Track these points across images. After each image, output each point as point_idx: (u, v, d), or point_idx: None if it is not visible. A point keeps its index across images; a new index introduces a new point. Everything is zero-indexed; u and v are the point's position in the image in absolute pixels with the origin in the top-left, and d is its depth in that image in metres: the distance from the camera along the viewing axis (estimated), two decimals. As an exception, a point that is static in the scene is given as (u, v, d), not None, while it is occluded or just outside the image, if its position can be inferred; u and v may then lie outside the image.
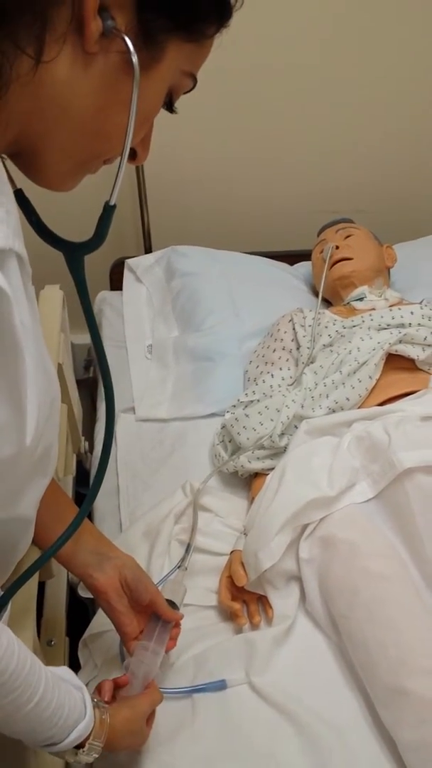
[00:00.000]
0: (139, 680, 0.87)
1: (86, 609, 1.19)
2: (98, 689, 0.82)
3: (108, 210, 0.61)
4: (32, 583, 0.89)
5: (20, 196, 0.64)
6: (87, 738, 0.71)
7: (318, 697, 0.95)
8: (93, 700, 0.73)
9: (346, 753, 0.89)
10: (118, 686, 0.85)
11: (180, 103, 0.66)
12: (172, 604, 0.97)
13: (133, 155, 0.66)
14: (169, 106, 0.65)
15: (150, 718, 0.85)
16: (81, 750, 0.71)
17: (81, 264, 0.64)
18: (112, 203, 0.61)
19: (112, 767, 0.89)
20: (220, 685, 0.96)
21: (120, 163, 0.58)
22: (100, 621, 1.03)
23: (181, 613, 0.98)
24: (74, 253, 0.63)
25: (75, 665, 1.04)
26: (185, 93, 0.65)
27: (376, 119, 1.94)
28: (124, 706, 0.81)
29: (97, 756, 0.73)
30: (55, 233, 0.64)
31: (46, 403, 0.64)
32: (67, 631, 1.13)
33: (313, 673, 1.00)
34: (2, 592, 0.76)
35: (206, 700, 0.95)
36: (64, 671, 0.72)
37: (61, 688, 0.67)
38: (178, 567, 1.10)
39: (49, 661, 0.95)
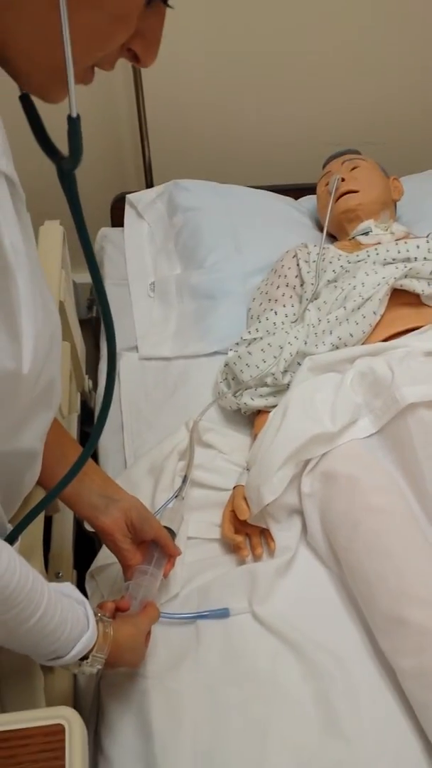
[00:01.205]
0: (137, 602, 0.90)
1: (92, 542, 1.21)
2: (100, 606, 0.84)
3: (71, 123, 0.58)
4: (39, 519, 0.91)
5: (25, 100, 0.61)
6: (90, 650, 0.73)
7: (319, 626, 0.98)
8: (96, 615, 0.75)
9: (346, 680, 0.91)
10: (119, 609, 0.87)
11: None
12: (169, 531, 1.00)
13: (135, 57, 0.61)
14: None
15: (147, 636, 0.88)
16: (85, 662, 0.73)
17: (73, 182, 0.61)
18: (73, 115, 0.57)
19: (118, 694, 0.92)
20: (224, 613, 0.99)
21: (66, 64, 0.53)
22: (106, 554, 1.05)
23: (180, 548, 1.00)
24: (61, 169, 0.60)
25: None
26: None
27: (383, 48, 1.86)
28: (126, 622, 0.83)
29: (100, 667, 0.75)
30: (53, 143, 0.62)
31: (46, 335, 0.63)
32: (74, 563, 1.16)
33: (315, 603, 1.02)
34: (11, 528, 0.78)
35: (209, 629, 0.98)
36: (67, 587, 0.74)
37: (63, 603, 0.69)
38: (176, 497, 1.12)
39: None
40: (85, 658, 0.73)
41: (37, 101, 0.62)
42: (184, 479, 1.15)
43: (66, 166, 0.59)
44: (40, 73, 0.58)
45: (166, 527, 1.00)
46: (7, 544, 0.62)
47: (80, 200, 0.62)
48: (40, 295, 0.62)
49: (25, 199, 0.59)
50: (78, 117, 0.57)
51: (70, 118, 0.57)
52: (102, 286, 0.66)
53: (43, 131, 0.63)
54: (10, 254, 0.52)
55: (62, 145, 0.61)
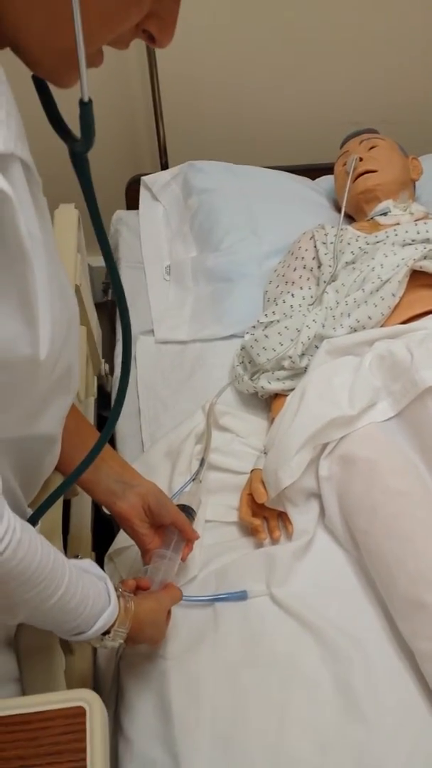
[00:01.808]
0: (156, 586, 0.91)
1: (111, 525, 1.22)
2: (121, 583, 0.86)
3: (83, 107, 0.57)
4: (57, 503, 0.91)
5: (38, 80, 0.60)
6: (112, 625, 0.74)
7: (337, 608, 0.98)
8: (117, 590, 0.76)
9: (365, 663, 0.91)
10: (139, 588, 0.88)
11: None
12: (189, 511, 1.01)
13: (150, 38, 0.61)
14: None
15: (168, 615, 0.89)
16: (107, 636, 0.74)
17: (85, 165, 0.60)
18: (85, 100, 0.56)
19: (137, 675, 0.93)
20: (242, 596, 0.99)
21: (78, 50, 0.52)
22: (125, 536, 1.05)
23: (198, 532, 1.00)
24: (73, 152, 0.60)
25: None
26: None
27: (402, 25, 1.82)
28: (148, 598, 0.85)
29: (122, 641, 0.76)
30: (66, 125, 0.61)
31: (63, 321, 0.63)
32: (93, 546, 1.16)
33: (333, 585, 1.02)
34: (32, 512, 0.78)
35: (228, 612, 0.98)
36: (88, 563, 0.74)
37: (84, 579, 0.70)
38: (193, 480, 1.12)
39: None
40: (107, 632, 0.74)
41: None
42: (202, 462, 1.15)
43: (78, 149, 0.59)
44: (51, 58, 0.57)
45: (186, 506, 1.01)
46: (28, 524, 0.63)
47: (94, 183, 0.61)
48: (57, 281, 0.62)
49: (41, 184, 0.59)
50: (90, 101, 0.57)
51: (81, 102, 0.57)
52: (116, 270, 0.66)
53: (56, 112, 0.62)
54: (26, 241, 0.52)
55: (76, 127, 0.60)
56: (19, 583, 0.61)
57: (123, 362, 0.71)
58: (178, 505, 1.04)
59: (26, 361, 0.58)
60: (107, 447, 0.92)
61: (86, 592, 0.69)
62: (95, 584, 0.72)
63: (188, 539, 0.98)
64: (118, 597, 0.75)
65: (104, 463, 0.92)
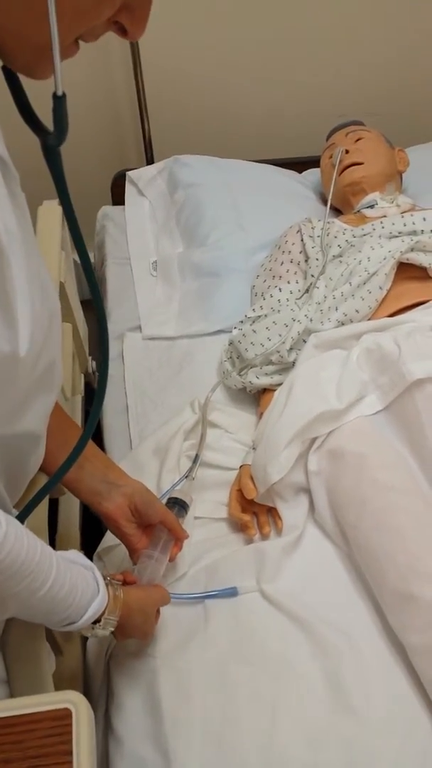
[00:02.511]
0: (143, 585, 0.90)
1: (100, 523, 1.21)
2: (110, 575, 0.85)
3: (57, 101, 0.56)
4: (43, 502, 0.91)
5: (8, 72, 0.60)
6: (102, 613, 0.74)
7: (328, 603, 0.98)
8: (106, 579, 0.76)
9: (355, 657, 0.91)
10: (126, 582, 0.87)
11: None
12: (182, 504, 1.01)
13: (123, 30, 0.60)
14: None
15: (157, 614, 0.89)
16: (97, 625, 0.74)
17: (58, 159, 0.60)
18: (59, 93, 0.56)
19: (127, 674, 0.93)
20: (232, 592, 0.99)
21: (52, 44, 0.52)
22: (113, 535, 1.05)
23: (188, 531, 1.00)
24: (47, 145, 0.59)
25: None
26: None
27: (385, 17, 1.82)
28: (136, 587, 0.85)
29: (112, 630, 0.77)
30: (38, 118, 0.60)
31: (44, 318, 0.62)
32: (82, 544, 1.15)
33: (323, 580, 1.01)
34: (17, 512, 0.77)
35: (218, 608, 0.97)
36: (74, 554, 0.74)
37: (72, 570, 0.70)
38: (186, 477, 1.11)
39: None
40: (97, 621, 0.74)
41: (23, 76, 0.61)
42: (195, 459, 1.14)
43: (51, 143, 0.58)
44: (26, 50, 0.57)
45: (178, 499, 1.01)
46: (12, 518, 0.63)
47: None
48: (37, 277, 0.61)
49: (18, 179, 0.58)
50: (64, 95, 0.56)
51: (55, 96, 0.56)
52: (89, 263, 0.65)
53: (27, 105, 0.61)
54: (2, 236, 0.51)
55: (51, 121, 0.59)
56: (6, 577, 0.61)
57: (102, 357, 0.70)
58: (170, 498, 1.04)
59: (5, 359, 0.58)
60: (92, 446, 0.91)
61: (75, 582, 0.69)
62: (83, 574, 0.72)
63: (177, 538, 0.97)
64: (107, 585, 0.75)
65: (88, 463, 0.91)
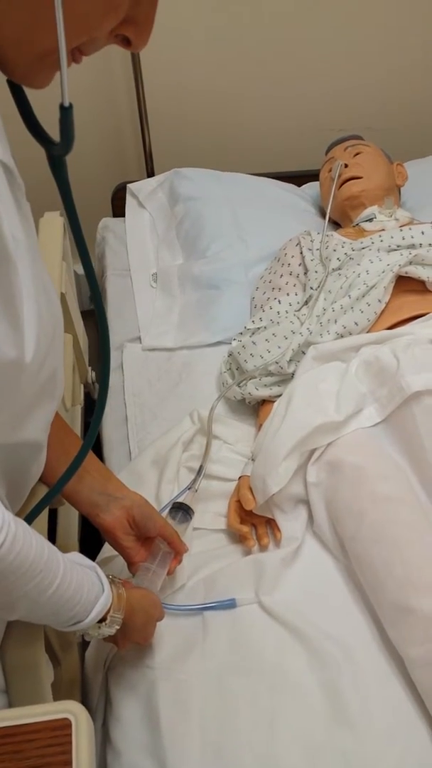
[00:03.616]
0: None
1: (98, 533, 1.21)
2: None
3: (64, 112, 0.57)
4: (43, 514, 0.91)
5: (13, 84, 0.60)
6: (108, 611, 0.74)
7: (326, 615, 0.98)
8: (109, 577, 0.76)
9: (354, 670, 0.91)
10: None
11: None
12: (185, 509, 1.02)
13: (127, 42, 0.61)
14: None
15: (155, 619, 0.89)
16: (103, 623, 0.74)
17: (64, 169, 0.60)
18: (66, 105, 0.57)
19: (126, 686, 0.92)
20: (230, 604, 0.99)
21: (60, 56, 0.53)
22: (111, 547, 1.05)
23: (187, 546, 1.00)
24: (52, 155, 0.60)
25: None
26: None
27: (385, 32, 1.84)
28: (137, 587, 0.86)
29: (118, 627, 0.77)
30: (43, 129, 0.61)
31: (49, 324, 0.63)
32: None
33: (321, 592, 1.01)
34: None
35: (216, 620, 0.97)
36: (75, 555, 0.74)
37: (77, 569, 0.70)
38: (189, 489, 1.11)
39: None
40: (102, 620, 0.74)
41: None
42: (199, 471, 1.14)
43: (57, 153, 0.59)
44: (25, 60, 0.57)
45: (182, 504, 1.01)
46: (19, 519, 0.63)
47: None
48: (42, 285, 0.62)
49: (24, 188, 0.58)
50: (71, 105, 0.57)
51: (62, 107, 0.57)
52: (93, 271, 0.66)
53: (32, 116, 0.62)
54: (9, 242, 0.51)
55: (57, 131, 0.60)
56: (17, 576, 0.61)
57: (102, 368, 0.71)
58: (175, 504, 1.04)
59: (11, 364, 0.58)
60: (92, 458, 0.92)
61: (81, 581, 0.70)
62: (87, 573, 0.72)
63: (176, 552, 0.97)
64: (110, 583, 0.75)
65: (88, 475, 0.90)
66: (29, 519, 0.77)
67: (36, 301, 0.58)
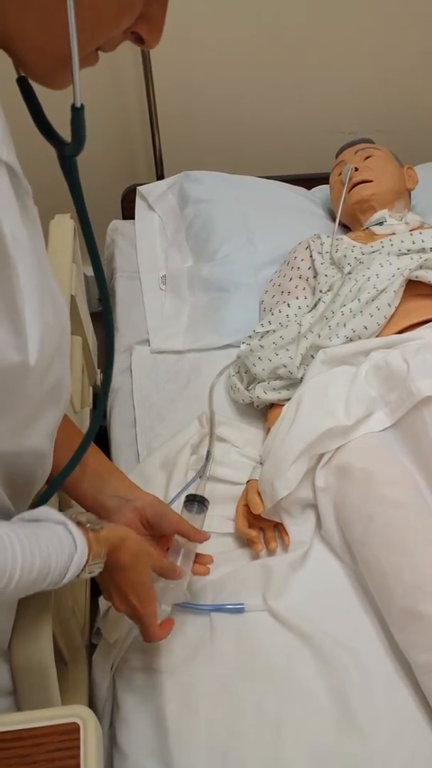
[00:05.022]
0: (163, 607, 0.89)
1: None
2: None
3: (75, 112, 0.58)
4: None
5: (23, 84, 0.61)
6: (86, 562, 0.71)
7: (334, 620, 0.97)
8: (85, 524, 0.73)
9: (361, 675, 0.91)
10: None
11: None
12: (201, 501, 1.00)
13: (140, 39, 0.61)
14: None
15: (170, 624, 0.88)
16: (83, 572, 0.71)
17: (75, 169, 0.61)
18: (77, 105, 0.57)
19: (133, 689, 0.93)
20: (239, 609, 0.98)
21: (72, 58, 0.53)
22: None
23: (208, 533, 0.97)
24: (63, 155, 0.60)
25: (97, 590, 1.06)
26: None
27: (396, 35, 1.84)
28: (116, 526, 0.81)
29: (100, 570, 0.75)
30: (53, 128, 0.61)
31: (55, 329, 0.62)
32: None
33: (329, 597, 1.01)
34: None
35: (224, 623, 0.97)
36: (43, 511, 0.71)
37: (41, 539, 0.66)
38: (200, 477, 1.10)
39: (74, 585, 0.97)
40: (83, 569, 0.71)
41: (36, 86, 0.62)
42: (207, 456, 1.13)
43: (68, 153, 0.59)
44: (46, 62, 0.58)
45: (196, 496, 1.00)
46: None
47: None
48: (47, 289, 0.61)
49: (31, 192, 0.58)
50: (82, 106, 0.57)
51: (74, 107, 0.57)
52: (102, 273, 0.66)
53: (42, 116, 0.62)
54: (9, 243, 0.51)
55: (67, 131, 0.60)
56: None
57: (106, 364, 0.70)
58: (188, 496, 1.02)
59: (14, 368, 0.57)
60: (104, 461, 0.91)
61: (47, 552, 0.66)
62: (54, 534, 0.69)
63: (197, 541, 0.95)
64: (87, 532, 0.72)
65: (98, 478, 0.90)
66: None
67: (40, 304, 0.57)
